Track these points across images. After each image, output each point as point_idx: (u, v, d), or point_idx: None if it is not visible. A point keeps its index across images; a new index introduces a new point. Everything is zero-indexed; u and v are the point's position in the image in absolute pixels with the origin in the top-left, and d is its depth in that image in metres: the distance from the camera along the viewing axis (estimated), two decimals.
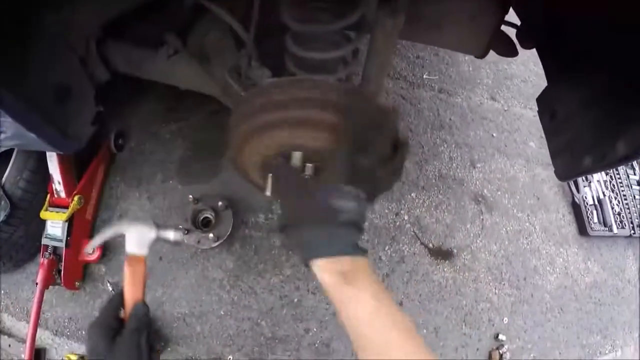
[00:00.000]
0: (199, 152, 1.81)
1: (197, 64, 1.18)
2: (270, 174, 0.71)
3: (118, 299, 0.74)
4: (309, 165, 0.67)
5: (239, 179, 0.95)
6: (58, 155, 1.45)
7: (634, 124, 0.78)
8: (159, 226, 0.83)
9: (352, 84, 1.19)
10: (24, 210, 1.45)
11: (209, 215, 1.59)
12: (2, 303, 1.59)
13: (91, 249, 0.95)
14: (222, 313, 1.56)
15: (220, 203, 1.58)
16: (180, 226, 0.83)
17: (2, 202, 1.38)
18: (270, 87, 0.71)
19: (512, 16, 1.21)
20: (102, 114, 1.13)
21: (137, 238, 0.80)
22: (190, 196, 1.56)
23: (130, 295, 0.73)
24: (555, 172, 1.11)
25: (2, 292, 1.60)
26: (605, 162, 0.88)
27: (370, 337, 0.56)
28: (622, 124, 0.82)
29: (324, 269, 0.59)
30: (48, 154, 1.46)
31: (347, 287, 0.57)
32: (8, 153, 1.44)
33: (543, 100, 1.19)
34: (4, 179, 1.40)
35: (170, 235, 0.84)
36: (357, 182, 0.61)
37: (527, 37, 1.22)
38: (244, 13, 0.99)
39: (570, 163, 1.03)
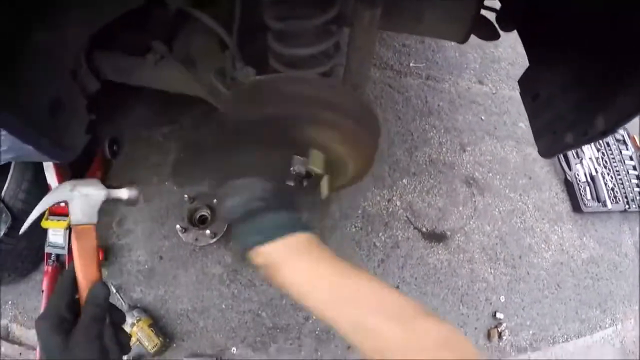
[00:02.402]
0: (192, 153, 1.82)
1: (184, 68, 1.21)
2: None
3: (68, 282, 0.59)
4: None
5: None
6: (55, 165, 1.48)
7: (611, 101, 0.83)
8: (109, 185, 0.69)
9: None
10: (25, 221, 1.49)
11: (205, 213, 1.63)
12: (10, 313, 1.62)
13: (24, 230, 0.75)
14: (224, 307, 1.59)
15: (215, 200, 1.60)
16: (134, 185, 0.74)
17: (3, 215, 1.40)
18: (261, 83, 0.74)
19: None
20: (95, 122, 1.15)
21: (82, 204, 0.66)
22: (186, 196, 1.60)
23: (84, 275, 0.60)
24: (538, 150, 1.14)
25: (10, 302, 1.63)
26: (587, 138, 0.92)
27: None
28: (600, 102, 0.86)
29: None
30: (45, 164, 1.48)
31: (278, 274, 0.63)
32: (5, 167, 1.46)
33: (525, 82, 1.20)
34: (3, 192, 1.42)
35: (124, 193, 0.71)
36: None
37: (507, 20, 1.24)
38: (227, 16, 1.01)
39: (553, 141, 1.06)
